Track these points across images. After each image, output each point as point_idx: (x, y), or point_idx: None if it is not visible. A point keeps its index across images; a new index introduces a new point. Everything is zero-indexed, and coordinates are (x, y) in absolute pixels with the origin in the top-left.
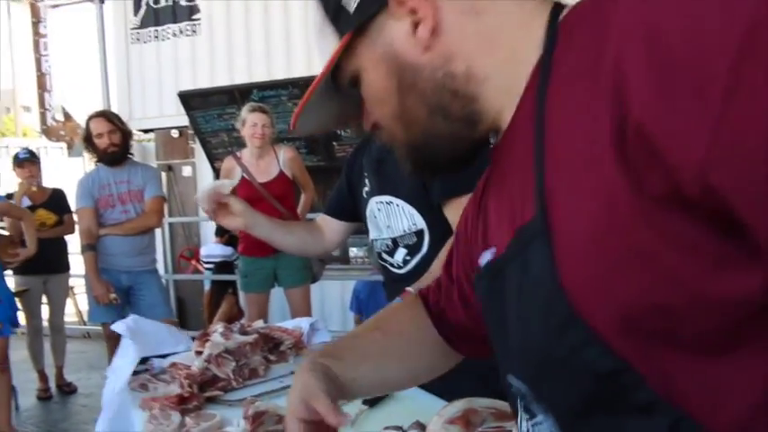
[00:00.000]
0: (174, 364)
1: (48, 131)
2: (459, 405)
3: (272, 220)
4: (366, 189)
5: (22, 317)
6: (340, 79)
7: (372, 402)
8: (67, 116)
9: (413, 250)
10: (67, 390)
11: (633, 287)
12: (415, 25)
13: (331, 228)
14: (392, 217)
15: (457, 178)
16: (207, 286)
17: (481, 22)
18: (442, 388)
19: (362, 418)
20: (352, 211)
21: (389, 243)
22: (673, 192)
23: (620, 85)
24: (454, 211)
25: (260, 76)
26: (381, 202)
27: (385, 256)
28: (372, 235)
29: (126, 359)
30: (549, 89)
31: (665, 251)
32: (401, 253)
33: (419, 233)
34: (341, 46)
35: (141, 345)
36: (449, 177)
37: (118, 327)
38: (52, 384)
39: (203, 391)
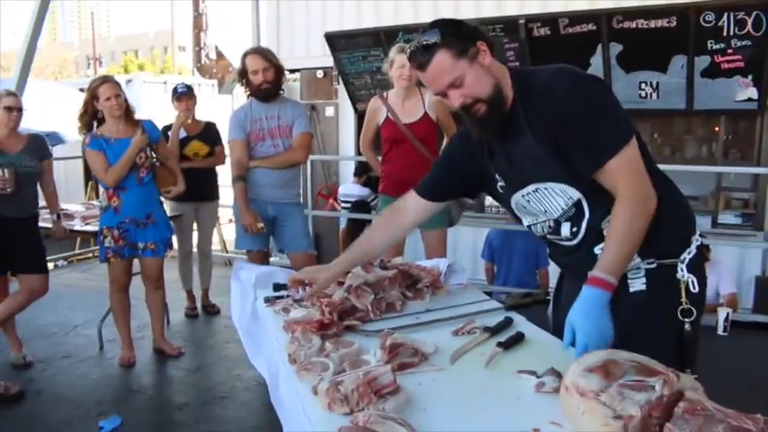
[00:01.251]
0: None
1: (201, 69)
2: (600, 355)
3: (345, 256)
4: (501, 185)
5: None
6: None
7: (507, 345)
8: (220, 55)
9: (576, 220)
10: (212, 310)
11: None
12: None
13: (421, 206)
14: (545, 201)
15: (596, 150)
16: (343, 224)
17: None
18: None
19: (496, 360)
20: (446, 194)
21: (551, 224)
22: None
23: None
24: (606, 175)
25: (406, 18)
26: (528, 193)
27: (550, 236)
28: (527, 221)
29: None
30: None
31: None
32: (566, 227)
33: (577, 203)
34: None
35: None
36: (587, 152)
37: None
38: (198, 304)
39: (342, 320)
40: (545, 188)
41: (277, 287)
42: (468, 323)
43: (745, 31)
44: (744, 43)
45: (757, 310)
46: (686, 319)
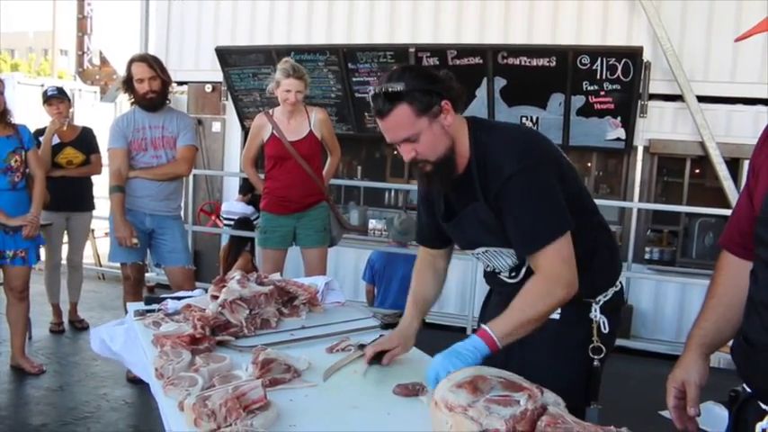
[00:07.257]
0: (188, 306)
1: (83, 74)
2: (469, 371)
3: (412, 312)
4: (460, 243)
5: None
6: None
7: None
8: (104, 61)
9: (517, 269)
10: (80, 326)
11: None
12: None
13: (441, 252)
14: (493, 260)
15: (532, 238)
16: (224, 242)
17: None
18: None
19: (369, 377)
20: (444, 240)
21: (495, 269)
22: None
23: None
24: (535, 258)
25: (299, 38)
26: (478, 253)
27: (490, 271)
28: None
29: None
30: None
31: None
32: (506, 273)
33: (523, 260)
34: None
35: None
36: (524, 238)
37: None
38: (65, 319)
39: (214, 335)
40: (494, 250)
41: (149, 300)
42: (343, 340)
43: (616, 75)
44: (614, 87)
45: None
46: (596, 356)
